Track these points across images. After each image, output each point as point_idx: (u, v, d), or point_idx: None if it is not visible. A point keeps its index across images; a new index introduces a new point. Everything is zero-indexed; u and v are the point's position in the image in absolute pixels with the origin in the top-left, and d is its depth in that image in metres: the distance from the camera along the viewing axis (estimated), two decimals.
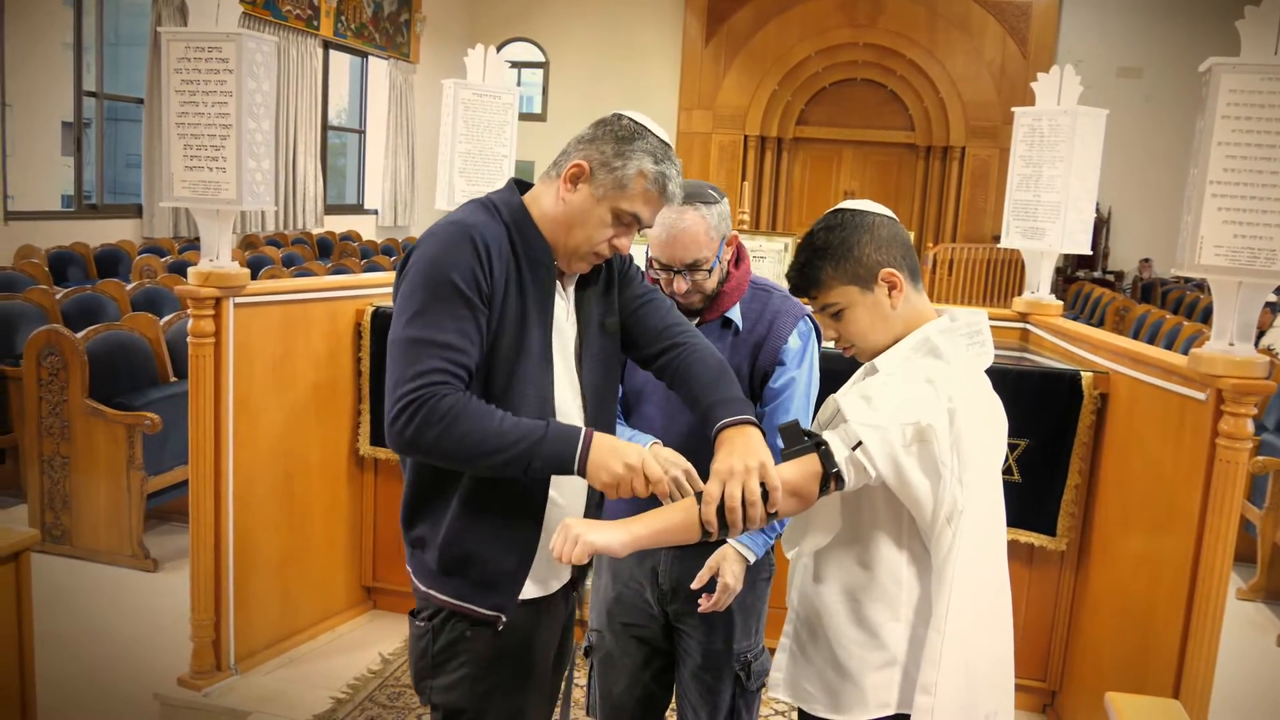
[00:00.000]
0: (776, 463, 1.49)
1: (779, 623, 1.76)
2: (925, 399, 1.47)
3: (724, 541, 1.90)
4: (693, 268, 1.92)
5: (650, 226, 1.71)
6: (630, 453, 1.50)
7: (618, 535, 1.45)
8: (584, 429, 1.53)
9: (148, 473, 4.02)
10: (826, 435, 1.49)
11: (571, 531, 1.44)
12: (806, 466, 1.47)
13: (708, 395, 1.61)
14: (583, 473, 1.50)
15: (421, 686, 1.71)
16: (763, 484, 1.45)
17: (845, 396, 1.53)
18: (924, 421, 1.44)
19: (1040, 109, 3.52)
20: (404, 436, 1.49)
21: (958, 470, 1.45)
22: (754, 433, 1.53)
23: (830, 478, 1.46)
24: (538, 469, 1.50)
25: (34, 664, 2.16)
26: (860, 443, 1.45)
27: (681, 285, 1.94)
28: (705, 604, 1.90)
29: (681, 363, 1.68)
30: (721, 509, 1.45)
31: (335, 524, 3.48)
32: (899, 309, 1.58)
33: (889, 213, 1.62)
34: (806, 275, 1.60)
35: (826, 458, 1.46)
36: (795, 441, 1.49)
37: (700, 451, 1.60)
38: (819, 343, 2.05)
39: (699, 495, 1.49)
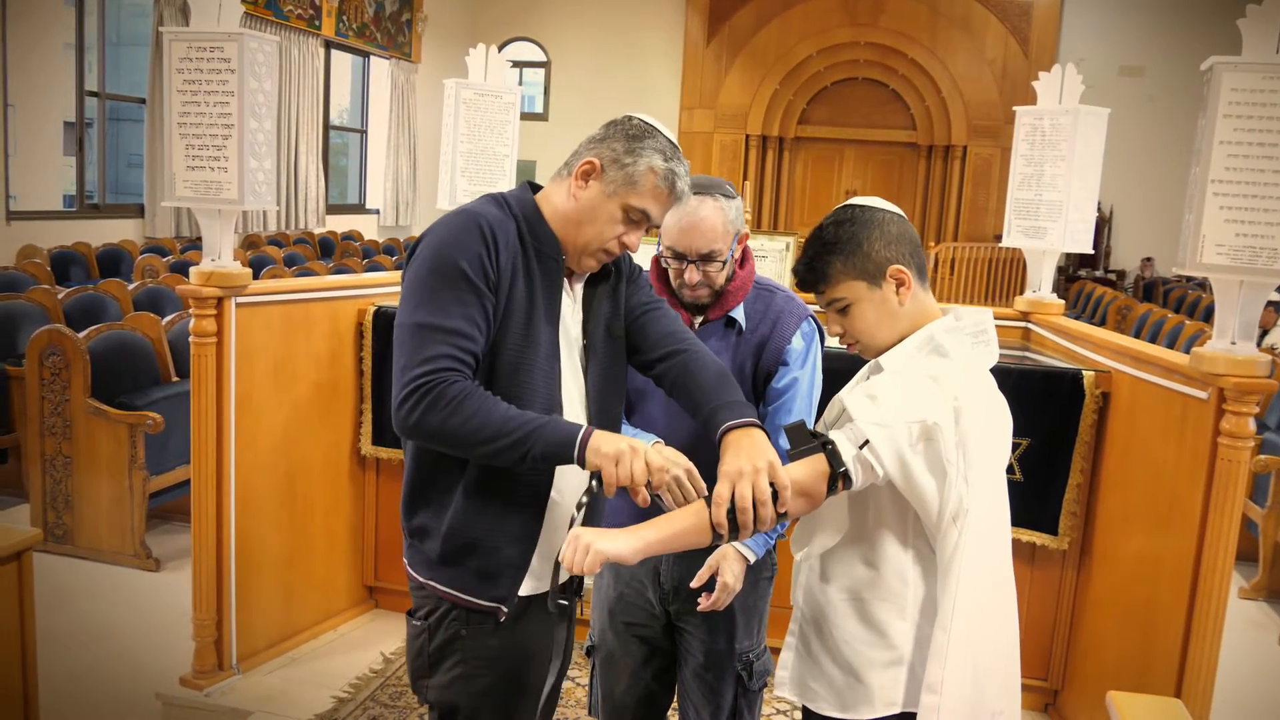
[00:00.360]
0: (783, 464, 1.49)
1: (781, 622, 1.76)
2: (931, 397, 1.47)
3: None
4: (707, 259, 1.91)
5: (658, 225, 1.72)
6: (633, 439, 1.52)
7: (629, 543, 1.44)
8: (586, 426, 1.54)
9: (149, 472, 4.02)
10: (833, 434, 1.49)
11: (582, 541, 1.43)
12: (814, 466, 1.47)
13: (710, 400, 1.61)
14: (582, 459, 1.50)
15: (418, 685, 1.72)
16: (771, 484, 1.45)
17: (851, 395, 1.53)
18: (930, 420, 1.44)
19: (1042, 108, 3.52)
20: (410, 420, 1.51)
21: (963, 469, 1.45)
22: (760, 434, 1.53)
23: (838, 477, 1.46)
24: (537, 456, 1.50)
25: (36, 663, 2.15)
26: (867, 441, 1.45)
27: (693, 275, 1.93)
28: (704, 603, 1.90)
29: (681, 369, 1.68)
30: (732, 510, 1.45)
31: (337, 523, 3.48)
32: (906, 306, 1.58)
33: (898, 210, 1.63)
34: (815, 269, 1.60)
35: (834, 457, 1.46)
36: (802, 441, 1.49)
37: (704, 452, 1.60)
38: (822, 343, 2.05)
39: (708, 499, 1.48)
